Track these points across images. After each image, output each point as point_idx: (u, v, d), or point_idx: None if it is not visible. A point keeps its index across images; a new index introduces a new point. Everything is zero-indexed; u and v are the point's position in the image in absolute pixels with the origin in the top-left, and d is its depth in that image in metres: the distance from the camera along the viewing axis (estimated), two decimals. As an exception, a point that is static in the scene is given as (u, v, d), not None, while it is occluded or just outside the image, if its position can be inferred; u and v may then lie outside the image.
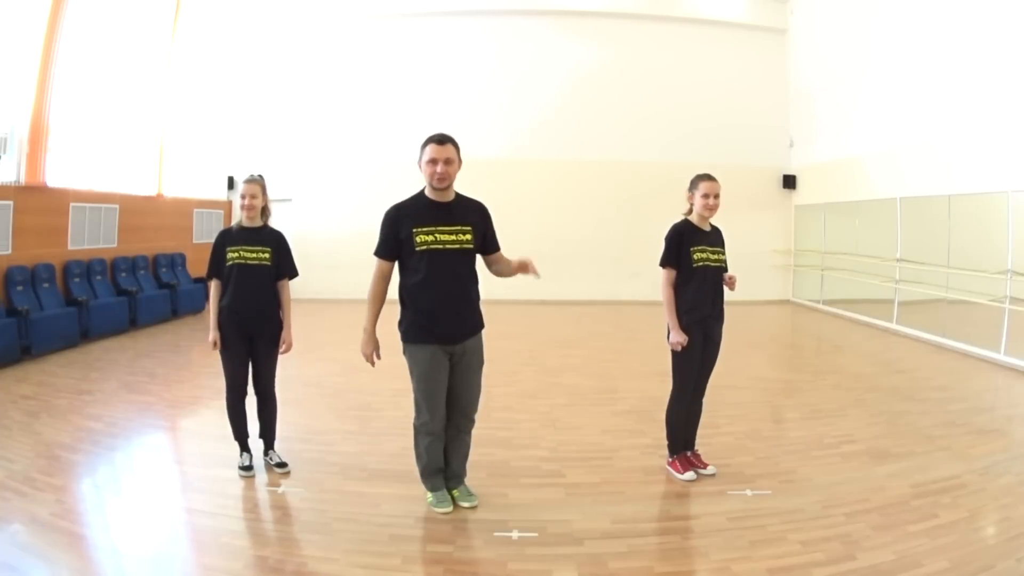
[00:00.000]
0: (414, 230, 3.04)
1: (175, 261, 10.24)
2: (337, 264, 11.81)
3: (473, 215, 3.16)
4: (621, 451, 4.13)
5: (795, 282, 12.23)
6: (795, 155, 12.20)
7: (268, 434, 3.84)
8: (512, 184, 11.25)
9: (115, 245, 8.95)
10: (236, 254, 3.62)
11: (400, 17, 11.90)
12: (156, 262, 9.78)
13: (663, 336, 3.63)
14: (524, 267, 3.19)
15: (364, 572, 2.68)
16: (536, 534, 2.98)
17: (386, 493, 3.44)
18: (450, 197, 3.13)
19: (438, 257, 3.03)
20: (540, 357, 7.06)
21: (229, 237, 3.69)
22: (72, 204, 8.18)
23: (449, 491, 3.30)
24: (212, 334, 3.64)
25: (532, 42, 11.98)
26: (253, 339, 3.69)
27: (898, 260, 8.74)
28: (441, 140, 3.06)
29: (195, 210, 11.13)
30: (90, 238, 8.49)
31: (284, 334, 3.75)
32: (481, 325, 3.24)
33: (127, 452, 4.14)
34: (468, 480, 3.40)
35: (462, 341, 3.13)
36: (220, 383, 3.78)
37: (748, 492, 3.47)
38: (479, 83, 11.96)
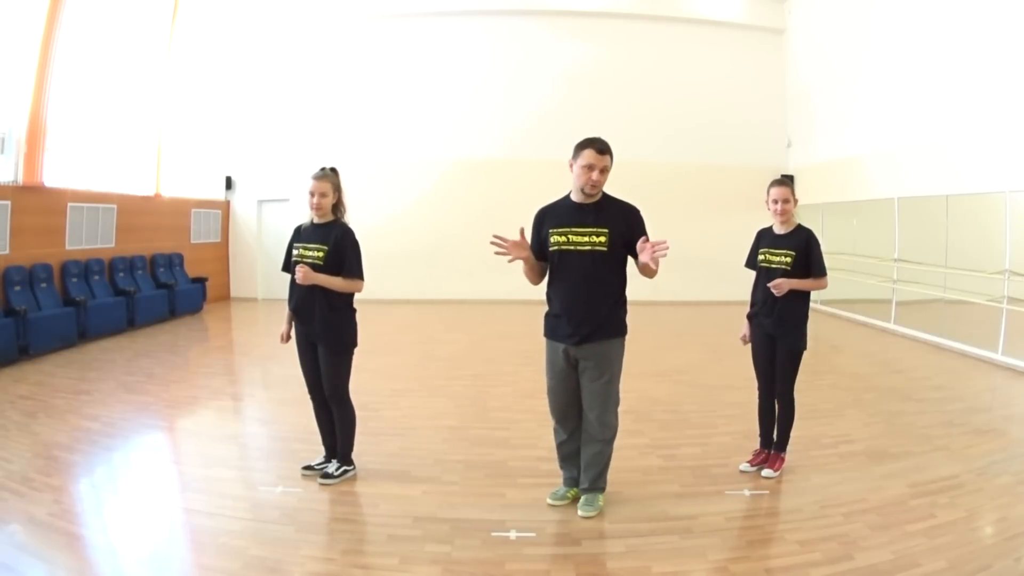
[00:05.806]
0: (550, 230, 3.11)
1: (173, 261, 10.22)
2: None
3: (615, 217, 3.09)
4: (618, 451, 4.08)
5: (793, 282, 12.21)
6: (793, 155, 12.20)
7: (333, 441, 3.67)
8: (509, 183, 11.22)
9: (113, 245, 8.93)
10: (298, 251, 3.52)
11: (396, 17, 11.87)
12: (154, 262, 9.76)
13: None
14: (647, 255, 2.90)
15: (362, 572, 2.68)
16: (534, 534, 2.98)
17: (384, 493, 3.44)
18: (594, 199, 3.11)
19: (567, 257, 3.07)
20: (539, 357, 6.99)
21: (298, 234, 3.60)
22: (70, 204, 8.16)
23: (571, 489, 3.35)
24: (283, 327, 3.65)
25: (529, 42, 11.95)
26: (315, 343, 3.53)
27: (896, 260, 8.75)
28: (602, 149, 3.04)
29: (193, 210, 11.11)
30: (88, 238, 8.47)
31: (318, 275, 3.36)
32: (612, 331, 3.15)
33: (125, 452, 4.13)
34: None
35: (583, 344, 3.09)
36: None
37: (746, 492, 3.48)
38: (476, 83, 11.92)
